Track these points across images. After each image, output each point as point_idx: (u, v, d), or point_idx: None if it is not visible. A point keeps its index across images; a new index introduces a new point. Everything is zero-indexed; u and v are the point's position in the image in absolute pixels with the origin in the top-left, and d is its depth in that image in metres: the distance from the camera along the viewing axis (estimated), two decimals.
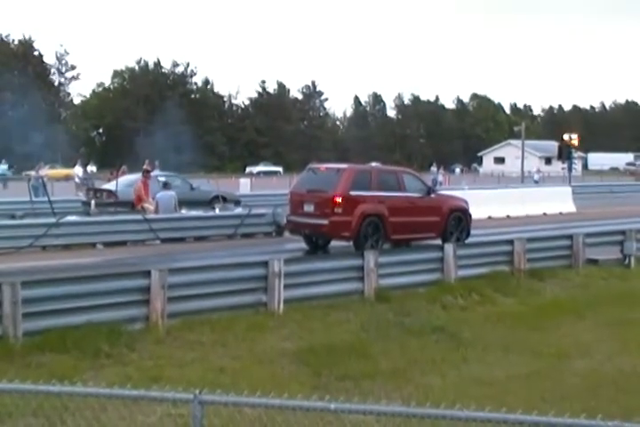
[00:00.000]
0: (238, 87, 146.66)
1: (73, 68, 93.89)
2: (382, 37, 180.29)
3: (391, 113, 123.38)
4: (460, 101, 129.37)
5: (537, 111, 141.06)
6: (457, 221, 19.68)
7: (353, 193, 18.07)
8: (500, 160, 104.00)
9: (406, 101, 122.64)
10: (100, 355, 9.75)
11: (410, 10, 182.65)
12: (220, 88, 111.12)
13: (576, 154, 62.65)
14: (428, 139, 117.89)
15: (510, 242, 16.51)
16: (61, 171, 59.73)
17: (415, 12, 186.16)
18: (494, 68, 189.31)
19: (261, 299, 12.33)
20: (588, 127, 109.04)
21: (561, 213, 30.62)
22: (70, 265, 15.64)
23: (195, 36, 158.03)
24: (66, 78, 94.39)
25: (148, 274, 11.10)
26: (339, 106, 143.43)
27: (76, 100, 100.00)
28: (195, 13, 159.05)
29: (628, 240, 18.17)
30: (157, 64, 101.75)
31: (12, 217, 20.91)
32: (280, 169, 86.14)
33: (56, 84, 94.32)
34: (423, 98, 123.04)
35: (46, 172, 45.50)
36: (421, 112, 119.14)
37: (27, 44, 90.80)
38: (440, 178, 54.73)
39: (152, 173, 24.88)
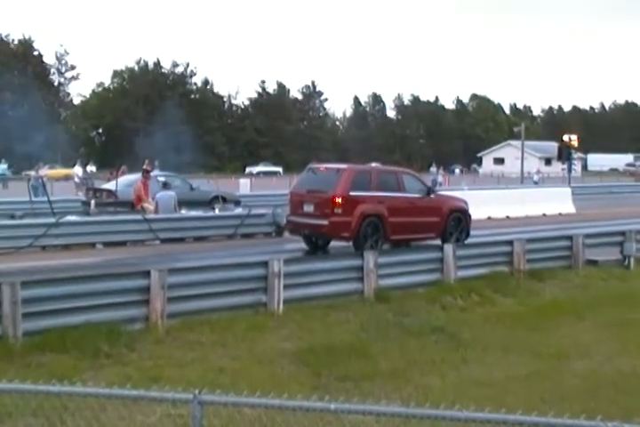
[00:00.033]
0: (238, 87, 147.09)
1: (73, 68, 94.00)
2: (382, 37, 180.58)
3: (391, 113, 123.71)
4: (459, 102, 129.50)
5: (537, 112, 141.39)
6: (456, 222, 19.68)
7: (353, 193, 18.07)
8: (499, 161, 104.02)
9: (406, 102, 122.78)
10: (100, 355, 9.75)
11: (410, 10, 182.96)
12: (220, 88, 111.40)
13: (576, 155, 62.69)
14: (428, 139, 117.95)
15: (510, 243, 16.52)
16: (61, 171, 59.75)
17: (415, 12, 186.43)
18: (494, 69, 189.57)
19: (261, 299, 12.33)
20: (587, 128, 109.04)
21: (560, 214, 30.60)
22: (70, 265, 15.63)
23: (194, 37, 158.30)
24: (65, 78, 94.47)
25: (147, 274, 11.10)
26: (338, 106, 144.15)
27: (76, 100, 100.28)
28: (194, 14, 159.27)
29: (627, 241, 18.18)
30: (157, 64, 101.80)
31: (12, 217, 20.90)
32: (280, 169, 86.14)
33: (56, 84, 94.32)
34: (423, 98, 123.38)
35: (46, 172, 45.65)
36: (421, 112, 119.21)
37: (26, 44, 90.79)
38: (440, 178, 54.69)
39: (152, 173, 24.87)
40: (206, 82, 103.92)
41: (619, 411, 7.52)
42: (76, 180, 40.95)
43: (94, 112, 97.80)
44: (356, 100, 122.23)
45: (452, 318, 12.88)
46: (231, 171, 77.61)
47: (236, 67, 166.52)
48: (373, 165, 42.57)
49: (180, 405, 5.85)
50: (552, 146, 65.12)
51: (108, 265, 16.14)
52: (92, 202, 24.01)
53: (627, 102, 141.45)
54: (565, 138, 47.84)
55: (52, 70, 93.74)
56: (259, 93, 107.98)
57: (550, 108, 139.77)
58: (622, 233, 18.56)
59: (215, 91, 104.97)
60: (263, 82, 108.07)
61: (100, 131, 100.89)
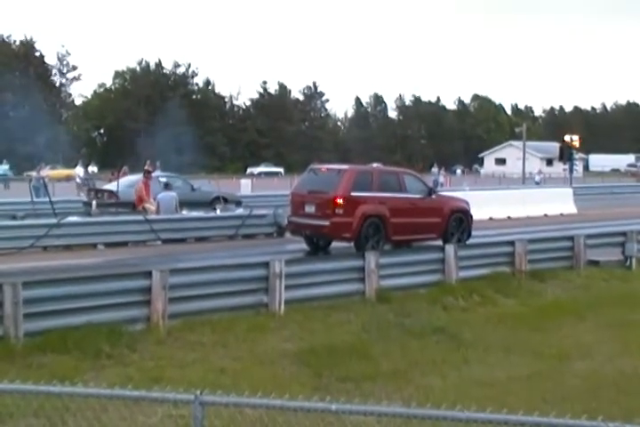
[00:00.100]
0: (239, 88, 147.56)
1: (74, 68, 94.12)
2: (383, 38, 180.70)
3: (392, 114, 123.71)
4: (461, 102, 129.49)
5: (538, 112, 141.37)
6: (458, 222, 19.68)
7: (354, 194, 18.07)
8: (501, 161, 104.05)
9: (407, 102, 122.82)
10: (101, 356, 9.75)
11: (410, 10, 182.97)
12: (222, 89, 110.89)
13: (577, 155, 62.74)
14: (429, 140, 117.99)
15: (511, 243, 16.52)
16: (62, 171, 59.78)
17: (415, 12, 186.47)
18: (495, 69, 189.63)
19: (262, 300, 12.33)
20: (589, 128, 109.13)
21: (562, 215, 30.59)
22: (71, 266, 15.64)
23: (196, 37, 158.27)
24: (67, 79, 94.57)
25: (149, 275, 11.10)
26: (340, 107, 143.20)
27: (78, 101, 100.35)
28: (196, 14, 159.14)
29: (629, 241, 18.16)
30: (159, 65, 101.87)
31: (14, 218, 20.90)
32: (281, 170, 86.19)
33: (57, 84, 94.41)
34: (424, 99, 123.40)
35: (47, 172, 45.57)
36: (422, 113, 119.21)
37: (28, 45, 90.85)
38: (441, 179, 54.69)
39: (153, 174, 24.87)
40: (208, 82, 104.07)
41: (620, 411, 7.51)
42: (78, 180, 40.98)
43: (96, 113, 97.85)
44: (358, 100, 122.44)
45: (453, 318, 12.87)
46: (232, 171, 77.62)
47: (238, 67, 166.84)
48: (375, 165, 42.57)
49: (182, 405, 5.84)
50: (553, 146, 65.12)
51: (109, 266, 16.15)
52: (94, 202, 24.01)
53: (628, 103, 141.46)
54: (567, 138, 47.86)
55: (54, 71, 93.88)
56: (260, 94, 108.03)
57: (552, 108, 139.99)
58: (624, 234, 18.55)
59: (217, 91, 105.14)
60: (265, 82, 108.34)
61: (102, 131, 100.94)
